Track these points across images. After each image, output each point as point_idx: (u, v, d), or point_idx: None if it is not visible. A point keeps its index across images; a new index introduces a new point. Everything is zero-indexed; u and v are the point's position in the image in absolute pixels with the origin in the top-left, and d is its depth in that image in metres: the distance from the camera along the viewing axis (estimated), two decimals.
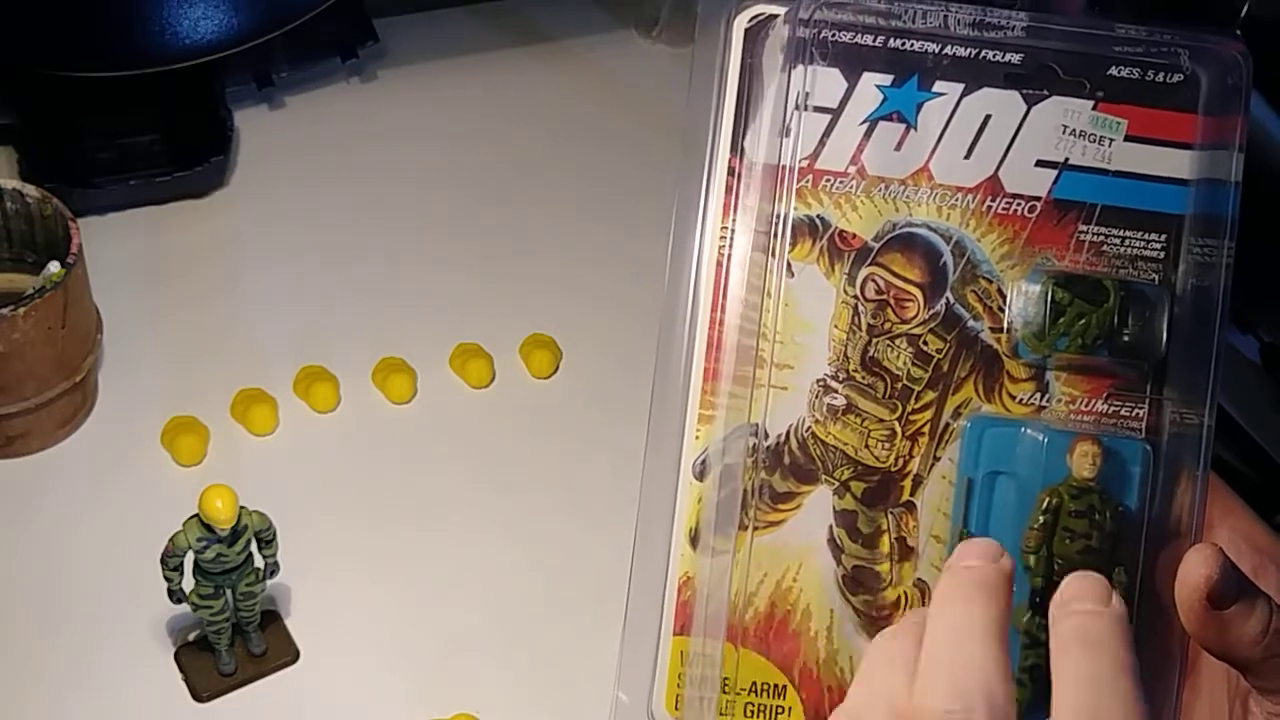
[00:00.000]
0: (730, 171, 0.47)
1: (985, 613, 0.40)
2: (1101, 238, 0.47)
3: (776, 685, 0.46)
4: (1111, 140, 0.47)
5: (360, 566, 0.69)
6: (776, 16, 0.47)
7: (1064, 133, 0.47)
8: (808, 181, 0.46)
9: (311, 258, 0.84)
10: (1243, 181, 0.47)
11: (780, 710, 0.46)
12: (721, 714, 0.46)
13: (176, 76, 0.85)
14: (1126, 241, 0.47)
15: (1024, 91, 0.47)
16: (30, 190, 0.71)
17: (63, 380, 0.70)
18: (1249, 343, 0.82)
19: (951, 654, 0.40)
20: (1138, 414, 0.47)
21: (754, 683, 0.46)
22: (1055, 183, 0.47)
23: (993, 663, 0.40)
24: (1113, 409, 0.47)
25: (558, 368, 0.79)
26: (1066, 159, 0.47)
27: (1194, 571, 0.43)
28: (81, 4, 0.84)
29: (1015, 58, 0.46)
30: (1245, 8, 0.70)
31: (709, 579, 0.46)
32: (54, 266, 0.69)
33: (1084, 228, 0.47)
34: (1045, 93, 0.47)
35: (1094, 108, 0.47)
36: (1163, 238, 0.47)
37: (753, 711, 0.46)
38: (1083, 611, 0.41)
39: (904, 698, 0.40)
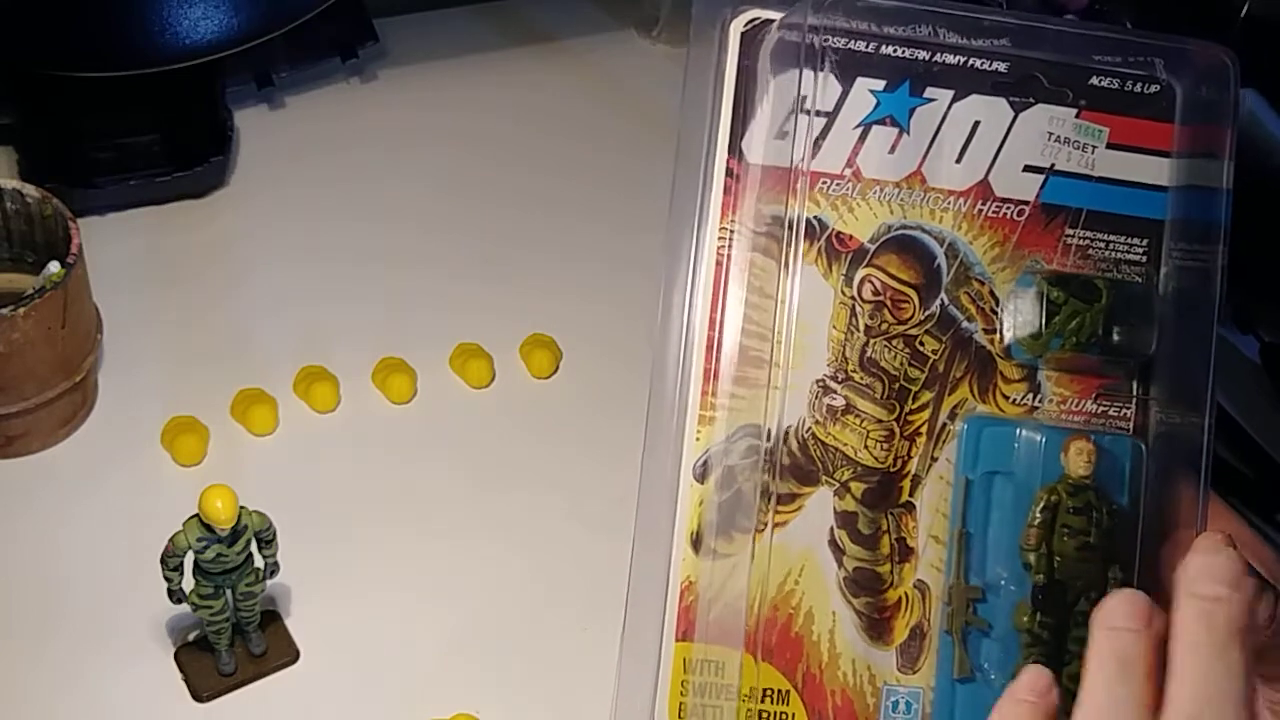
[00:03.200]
0: (728, 173, 0.47)
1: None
2: (1087, 241, 0.48)
3: (780, 691, 0.46)
4: (1094, 147, 0.48)
5: (360, 566, 0.69)
6: (772, 21, 0.47)
7: (1050, 139, 0.48)
8: (805, 183, 0.47)
9: (311, 258, 0.84)
10: (1243, 182, 0.48)
11: (784, 716, 0.46)
12: None
13: (176, 76, 0.85)
14: (1111, 245, 0.48)
15: (1011, 99, 0.48)
16: (30, 190, 0.71)
17: (63, 380, 0.70)
18: (1249, 343, 0.82)
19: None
20: (1125, 414, 0.47)
21: (754, 688, 0.46)
22: (1042, 187, 0.48)
23: None
24: (1101, 409, 0.47)
25: (558, 368, 0.79)
26: (1053, 164, 0.48)
27: None
28: (81, 4, 0.84)
29: (1002, 66, 0.48)
30: (1245, 8, 0.70)
31: (712, 583, 0.46)
32: (54, 266, 0.69)
33: (1071, 231, 0.48)
34: (1031, 100, 0.48)
35: (1077, 115, 0.48)
36: (1144, 242, 0.48)
37: (756, 718, 0.46)
38: (1216, 598, 0.41)
39: None
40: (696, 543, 0.47)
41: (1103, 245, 0.48)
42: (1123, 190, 0.48)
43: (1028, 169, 0.48)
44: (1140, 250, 0.48)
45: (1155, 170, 0.48)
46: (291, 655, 0.65)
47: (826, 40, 0.47)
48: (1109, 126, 0.48)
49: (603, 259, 0.85)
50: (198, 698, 0.63)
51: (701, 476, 0.47)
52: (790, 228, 0.46)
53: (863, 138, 0.47)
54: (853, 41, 0.47)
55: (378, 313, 0.81)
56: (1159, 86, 0.48)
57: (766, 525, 0.46)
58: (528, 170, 0.91)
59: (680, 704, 0.47)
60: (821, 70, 0.47)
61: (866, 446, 0.47)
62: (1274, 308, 0.76)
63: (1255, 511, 0.76)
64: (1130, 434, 0.47)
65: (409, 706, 0.64)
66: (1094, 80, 0.48)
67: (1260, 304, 0.77)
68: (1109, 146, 0.48)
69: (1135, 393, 0.48)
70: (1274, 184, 0.67)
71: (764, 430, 0.46)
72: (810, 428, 0.46)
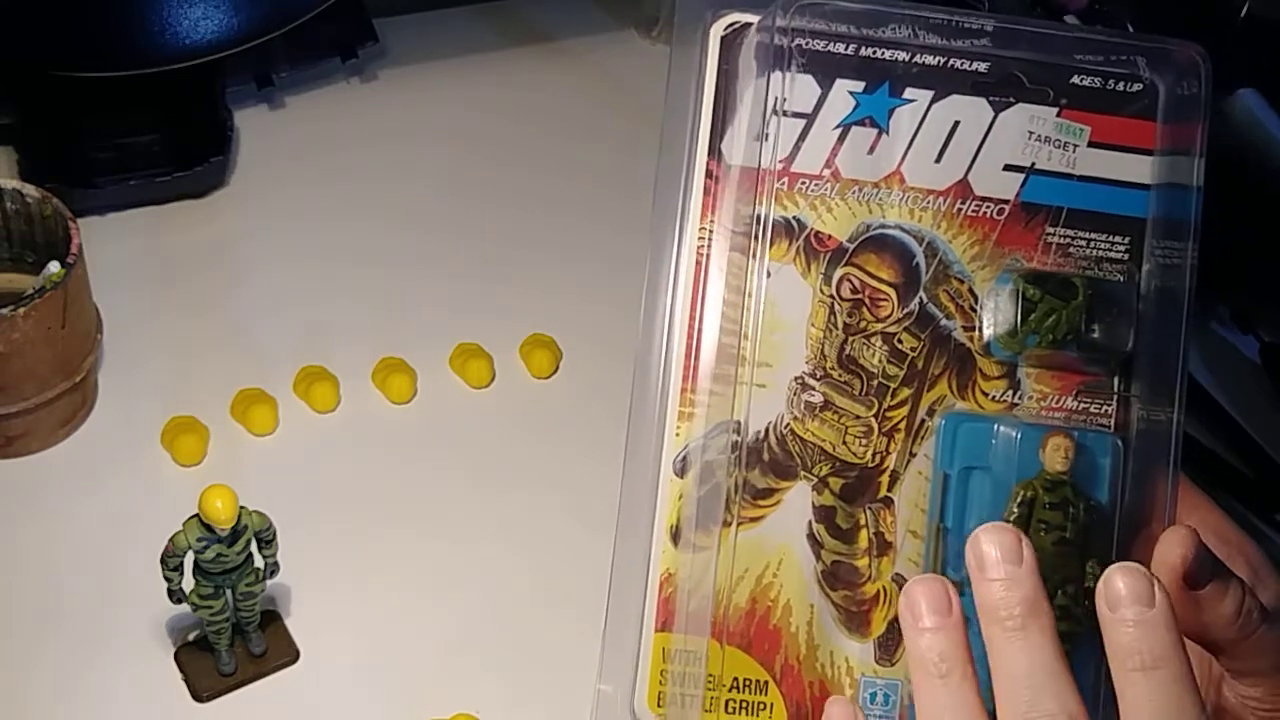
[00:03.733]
0: (708, 174, 0.48)
1: (1042, 640, 0.41)
2: (1068, 240, 0.48)
3: (758, 681, 0.47)
4: (1076, 146, 0.48)
5: (360, 566, 0.69)
6: (752, 24, 0.48)
7: (1030, 138, 0.48)
8: (784, 184, 0.47)
9: (311, 258, 0.84)
10: (1243, 183, 0.48)
11: (762, 706, 0.47)
12: (705, 711, 0.47)
13: (176, 76, 0.85)
14: (1092, 243, 0.48)
15: (991, 99, 0.48)
16: (30, 190, 0.71)
17: (63, 380, 0.70)
18: (1249, 342, 0.82)
19: (1028, 691, 0.40)
20: (1106, 410, 0.48)
21: (736, 679, 0.47)
22: (1023, 186, 0.48)
23: (1066, 686, 0.40)
24: (1082, 406, 0.48)
25: (558, 368, 0.79)
26: (1033, 163, 0.48)
27: (1171, 552, 0.43)
28: (82, 4, 0.84)
29: (982, 66, 0.48)
30: (1245, 8, 0.70)
31: (690, 575, 0.47)
32: (54, 266, 0.69)
33: (1051, 230, 0.48)
34: (1011, 100, 0.48)
35: (1058, 114, 0.48)
36: (1126, 240, 0.48)
37: (735, 708, 0.47)
38: (1136, 622, 0.40)
39: None
40: (676, 536, 0.47)
41: (1084, 243, 0.48)
42: (1104, 188, 0.48)
43: (1008, 168, 0.48)
44: (1122, 248, 0.48)
45: (1138, 168, 0.48)
46: (291, 655, 0.65)
47: (796, 42, 0.47)
48: (1091, 125, 0.48)
49: (603, 259, 0.85)
50: (198, 698, 0.63)
51: (681, 471, 0.47)
52: (758, 223, 0.46)
53: (841, 138, 0.48)
54: (832, 44, 0.47)
55: (378, 313, 0.81)
56: (1142, 85, 0.48)
57: (734, 518, 0.46)
58: (528, 170, 0.91)
59: (659, 693, 0.47)
60: (789, 71, 0.47)
61: (845, 442, 0.47)
62: (1274, 308, 0.76)
63: (1255, 511, 0.76)
64: (1112, 431, 0.48)
65: (409, 706, 0.64)
66: (1075, 79, 0.48)
67: (1260, 304, 0.77)
68: (1091, 145, 0.48)
69: (1117, 389, 0.48)
70: (1274, 184, 0.67)
71: (731, 423, 0.46)
72: (789, 423, 0.47)
